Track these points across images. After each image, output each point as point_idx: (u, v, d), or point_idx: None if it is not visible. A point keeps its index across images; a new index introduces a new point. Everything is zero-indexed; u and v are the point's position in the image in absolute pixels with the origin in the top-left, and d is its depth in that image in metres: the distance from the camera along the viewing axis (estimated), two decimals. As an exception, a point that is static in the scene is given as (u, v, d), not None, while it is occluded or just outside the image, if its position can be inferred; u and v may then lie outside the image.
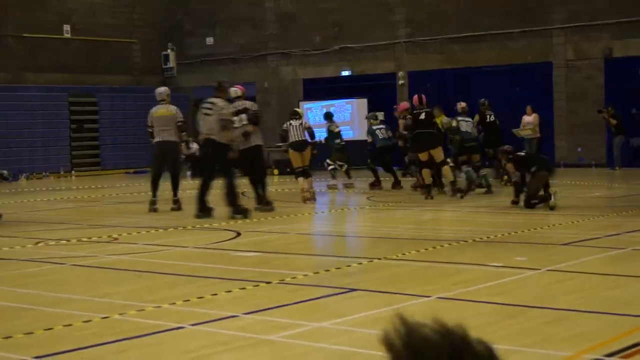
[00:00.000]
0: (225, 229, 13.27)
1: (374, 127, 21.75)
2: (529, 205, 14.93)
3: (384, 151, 21.62)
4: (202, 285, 8.46)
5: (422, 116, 17.93)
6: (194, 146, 29.24)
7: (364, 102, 30.77)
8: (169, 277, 9.12)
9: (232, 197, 15.03)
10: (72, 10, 35.87)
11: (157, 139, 16.99)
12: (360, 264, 9.65)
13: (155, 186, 16.90)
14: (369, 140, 22.04)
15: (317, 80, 33.79)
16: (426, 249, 10.51)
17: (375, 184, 21.35)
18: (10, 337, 6.48)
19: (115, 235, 12.80)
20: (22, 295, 8.27)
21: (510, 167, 15.57)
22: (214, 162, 15.07)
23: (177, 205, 16.70)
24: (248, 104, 16.71)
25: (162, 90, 17.97)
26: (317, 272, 9.06)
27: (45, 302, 7.80)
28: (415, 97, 18.52)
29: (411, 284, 8.24)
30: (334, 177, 22.02)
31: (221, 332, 6.52)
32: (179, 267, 9.73)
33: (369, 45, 32.00)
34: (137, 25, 37.76)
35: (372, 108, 27.76)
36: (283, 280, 8.61)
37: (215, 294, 7.93)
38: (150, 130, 17.21)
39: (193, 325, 6.72)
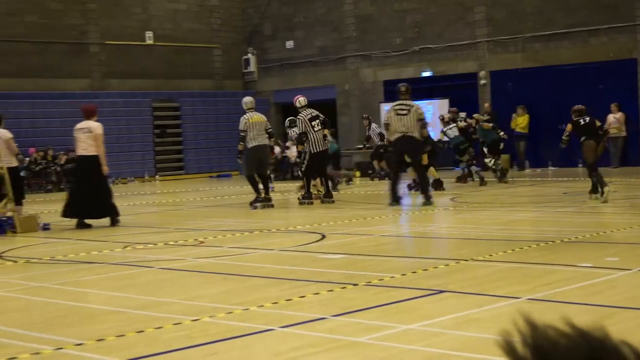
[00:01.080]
0: (310, 232, 13.28)
1: (446, 128, 22.50)
2: (590, 175, 16.41)
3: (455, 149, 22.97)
4: (289, 288, 8.47)
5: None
6: (277, 150, 29.50)
7: (445, 102, 30.57)
8: (256, 280, 9.15)
9: (424, 185, 17.46)
10: (153, 16, 36.34)
11: (253, 144, 18.06)
12: (447, 265, 9.57)
13: (255, 184, 18.21)
14: (442, 139, 23.13)
15: (397, 81, 33.66)
16: (513, 250, 10.38)
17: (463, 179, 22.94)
18: (103, 339, 6.56)
19: (201, 239, 12.91)
20: (112, 298, 8.37)
21: (569, 126, 16.88)
22: (404, 155, 17.39)
23: (269, 202, 18.24)
24: (315, 111, 18.51)
25: (251, 99, 18.93)
26: (404, 274, 9.01)
27: (135, 305, 7.89)
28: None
29: (499, 285, 8.14)
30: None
31: (310, 335, 6.51)
32: (266, 269, 9.76)
33: (449, 45, 31.79)
34: (217, 30, 38.09)
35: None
36: (370, 282, 8.58)
37: (303, 296, 7.93)
38: (244, 134, 18.08)
39: (282, 327, 6.72)
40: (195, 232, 14.06)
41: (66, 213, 15.59)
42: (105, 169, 15.55)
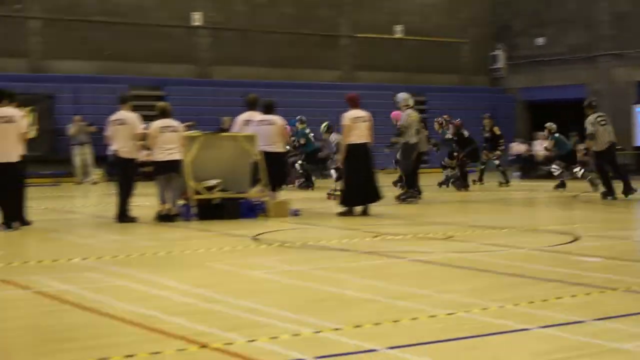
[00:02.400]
0: (562, 232, 12.95)
1: None
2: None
3: None
4: (544, 288, 8.27)
5: None
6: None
7: None
8: (509, 278, 9.00)
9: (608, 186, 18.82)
10: (403, 10, 36.59)
11: (414, 140, 18.53)
12: None
13: (414, 179, 18.98)
14: None
15: (653, 83, 32.39)
16: None
17: None
18: (360, 326, 6.63)
19: (450, 233, 12.86)
20: (367, 286, 8.46)
21: None
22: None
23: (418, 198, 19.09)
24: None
25: (409, 95, 19.06)
26: (667, 282, 8.61)
27: (389, 294, 7.93)
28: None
29: None
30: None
31: (570, 337, 6.32)
32: (518, 268, 9.58)
33: None
34: (466, 25, 37.89)
35: None
36: (630, 288, 8.25)
37: (560, 297, 7.72)
38: (404, 130, 18.53)
39: (540, 327, 6.56)
40: (443, 226, 14.02)
41: (345, 201, 15.90)
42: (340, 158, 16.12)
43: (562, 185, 22.57)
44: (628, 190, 18.91)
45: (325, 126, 22.89)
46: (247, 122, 16.45)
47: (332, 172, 21.53)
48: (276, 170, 16.24)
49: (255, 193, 15.88)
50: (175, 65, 32.58)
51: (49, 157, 28.47)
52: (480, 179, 25.17)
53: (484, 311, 7.18)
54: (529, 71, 37.01)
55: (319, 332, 6.45)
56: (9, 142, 13.79)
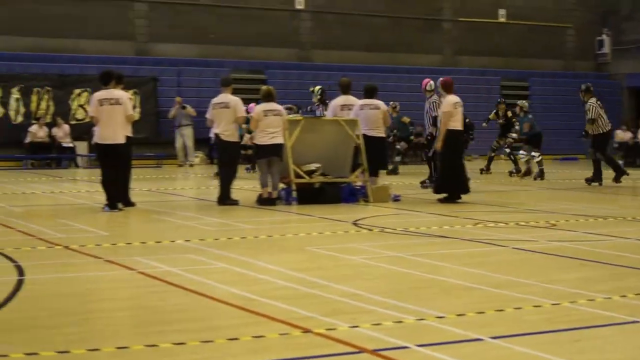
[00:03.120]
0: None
1: None
2: None
3: None
4: (653, 280, 8.08)
5: None
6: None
7: None
8: (616, 269, 8.80)
9: None
10: (506, -6, 36.09)
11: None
12: None
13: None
14: None
15: None
16: None
17: None
18: (463, 314, 6.55)
19: (552, 221, 12.64)
20: (468, 274, 8.36)
21: None
22: None
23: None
24: None
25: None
26: None
27: (492, 283, 7.83)
28: None
29: None
30: None
31: (681, 332, 6.16)
32: (624, 258, 9.36)
33: None
34: (571, 10, 37.17)
35: None
36: None
37: (670, 290, 7.53)
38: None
39: (648, 320, 6.40)
40: (546, 214, 13.79)
41: (442, 187, 15.72)
42: (439, 145, 15.61)
43: None
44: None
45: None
46: (343, 106, 16.40)
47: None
48: (378, 155, 16.18)
49: (355, 177, 15.86)
50: (277, 48, 32.72)
51: (151, 140, 28.95)
52: (488, 168, 24.58)
53: (589, 302, 7.03)
54: (635, 57, 36.12)
55: (421, 319, 6.40)
56: (115, 124, 14.02)
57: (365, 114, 16.18)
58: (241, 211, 14.44)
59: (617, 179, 19.82)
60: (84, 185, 20.65)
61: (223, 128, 15.13)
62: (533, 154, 22.46)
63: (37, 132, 28.78)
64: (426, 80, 18.95)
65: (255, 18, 32.36)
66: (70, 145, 29.10)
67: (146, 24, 31.43)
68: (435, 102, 18.07)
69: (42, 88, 29.37)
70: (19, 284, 7.77)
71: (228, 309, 6.83)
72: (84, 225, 12.35)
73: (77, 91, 29.73)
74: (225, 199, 15.08)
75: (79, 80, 29.62)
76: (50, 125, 29.18)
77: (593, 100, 19.67)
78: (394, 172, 24.22)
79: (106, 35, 30.50)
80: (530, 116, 22.84)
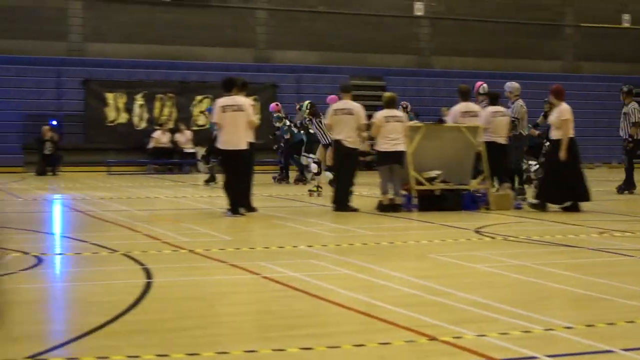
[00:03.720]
0: None
1: None
2: None
3: None
4: None
5: None
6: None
7: None
8: None
9: None
10: (631, -1, 35.33)
11: (526, 133, 18.31)
12: None
13: None
14: None
15: None
16: None
17: None
18: (592, 325, 6.42)
19: (682, 232, 12.29)
20: (595, 284, 8.19)
21: None
22: None
23: None
24: None
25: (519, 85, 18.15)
26: None
27: (621, 294, 7.63)
28: None
29: None
30: None
31: None
32: None
33: None
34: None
35: None
36: None
37: None
38: None
39: None
40: (674, 224, 13.43)
41: (544, 194, 15.38)
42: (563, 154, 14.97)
43: None
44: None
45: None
46: (464, 113, 16.27)
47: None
48: (502, 162, 16.08)
49: (476, 185, 15.71)
50: (395, 55, 32.70)
51: (271, 145, 29.23)
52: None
53: None
54: None
55: (550, 329, 6.28)
56: (238, 130, 14.19)
57: (494, 122, 16.15)
58: (362, 218, 14.44)
59: None
60: (206, 191, 20.97)
61: (347, 134, 15.15)
62: None
63: (160, 137, 29.44)
64: (479, 83, 18.52)
65: (374, 25, 32.41)
66: (192, 150, 29.64)
67: (266, 31, 31.79)
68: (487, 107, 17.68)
69: (164, 94, 30.02)
70: (148, 287, 7.93)
71: (352, 315, 6.83)
72: (207, 229, 12.55)
73: (198, 98, 30.30)
74: (343, 205, 15.09)
75: (199, 87, 30.19)
76: (173, 131, 29.78)
77: (635, 104, 19.43)
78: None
79: (226, 43, 30.98)
80: None
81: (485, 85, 18.32)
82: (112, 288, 8.05)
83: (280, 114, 23.75)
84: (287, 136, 23.41)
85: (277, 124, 23.86)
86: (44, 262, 9.43)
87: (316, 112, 20.09)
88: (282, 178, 23.87)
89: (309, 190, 19.18)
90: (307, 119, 20.69)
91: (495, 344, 5.85)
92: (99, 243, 10.77)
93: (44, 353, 5.64)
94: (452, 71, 32.48)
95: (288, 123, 23.35)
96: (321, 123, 18.92)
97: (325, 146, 19.06)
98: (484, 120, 16.11)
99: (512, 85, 17.99)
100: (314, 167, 19.47)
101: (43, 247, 10.52)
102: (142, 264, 9.15)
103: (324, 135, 19.09)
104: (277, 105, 24.27)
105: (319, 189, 18.74)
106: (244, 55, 31.39)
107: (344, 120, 15.17)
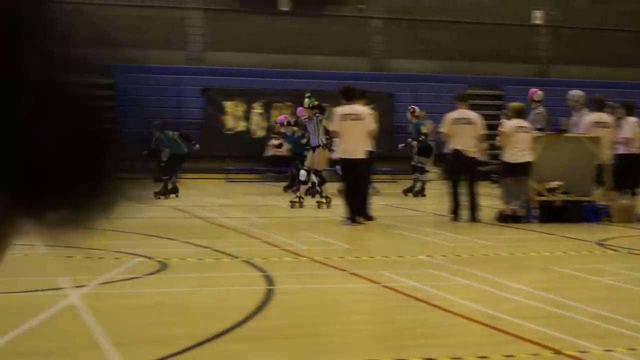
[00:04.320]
0: None
1: None
2: None
3: None
4: None
5: None
6: None
7: None
8: None
9: None
10: None
11: None
12: None
13: None
14: None
15: None
16: None
17: None
18: None
19: None
20: None
21: None
22: None
23: None
24: None
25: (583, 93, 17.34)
26: None
27: None
28: None
29: None
30: None
31: None
32: None
33: None
34: None
35: None
36: None
37: None
38: None
39: None
40: None
41: None
42: None
43: None
44: None
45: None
46: (597, 123, 15.99)
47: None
48: (629, 172, 15.83)
49: (599, 196, 15.40)
50: (513, 64, 32.33)
51: (388, 155, 29.19)
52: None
53: None
54: None
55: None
56: (357, 138, 14.23)
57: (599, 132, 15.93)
58: (480, 228, 14.32)
59: None
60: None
61: (467, 144, 15.04)
62: None
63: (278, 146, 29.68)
64: (533, 90, 17.89)
65: (492, 34, 32.11)
66: (308, 159, 29.79)
67: (382, 40, 31.81)
68: (541, 114, 17.17)
69: (282, 103, 30.30)
70: (270, 294, 8.01)
71: (475, 326, 6.77)
72: (326, 237, 12.61)
73: (314, 106, 30.45)
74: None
75: (316, 95, 30.32)
76: (291, 139, 30.03)
77: None
78: None
79: (342, 52, 31.10)
80: None
81: (540, 92, 17.81)
82: (235, 294, 8.16)
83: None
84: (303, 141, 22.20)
85: (287, 133, 23.60)
86: (167, 267, 9.62)
87: (323, 108, 18.65)
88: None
89: (291, 202, 18.06)
90: (306, 117, 18.75)
91: (623, 360, 5.73)
92: (220, 249, 10.94)
93: (170, 357, 5.75)
94: (573, 80, 31.89)
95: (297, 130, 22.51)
96: (321, 122, 17.92)
97: (314, 149, 17.97)
98: (584, 129, 15.81)
99: (576, 93, 17.50)
100: (302, 174, 18.13)
101: (166, 252, 10.75)
102: (263, 271, 9.25)
103: (317, 136, 17.82)
104: (285, 117, 24.14)
105: (328, 199, 17.73)
106: (359, 64, 31.46)
107: (463, 129, 15.06)
